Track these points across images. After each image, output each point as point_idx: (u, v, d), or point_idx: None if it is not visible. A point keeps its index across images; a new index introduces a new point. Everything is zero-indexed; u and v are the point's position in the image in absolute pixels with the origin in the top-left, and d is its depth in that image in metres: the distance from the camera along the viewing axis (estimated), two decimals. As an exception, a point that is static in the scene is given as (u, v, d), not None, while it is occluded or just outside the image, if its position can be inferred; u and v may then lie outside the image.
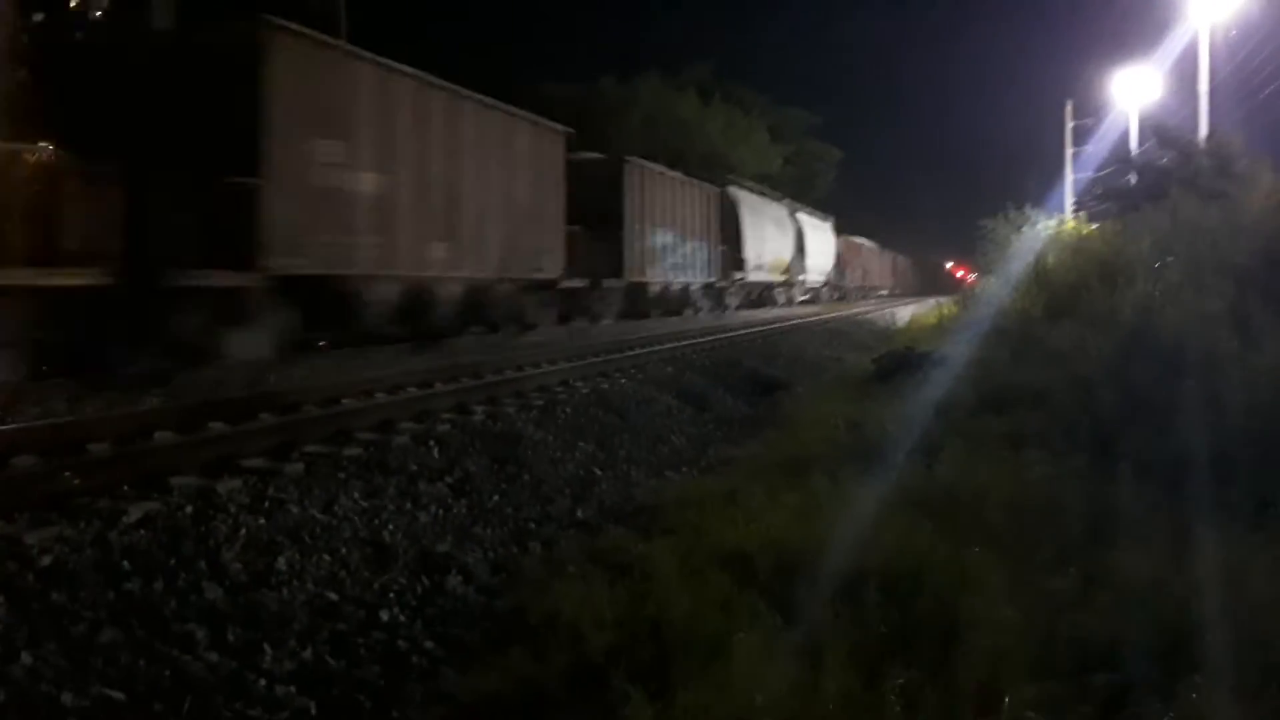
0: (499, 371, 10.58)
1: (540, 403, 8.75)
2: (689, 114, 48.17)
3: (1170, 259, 9.87)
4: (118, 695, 3.28)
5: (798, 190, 53.36)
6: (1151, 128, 17.82)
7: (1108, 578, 4.00)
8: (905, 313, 31.64)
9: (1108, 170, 25.70)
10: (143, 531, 4.49)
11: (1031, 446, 6.24)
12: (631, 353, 13.26)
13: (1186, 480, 5.06)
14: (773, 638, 3.58)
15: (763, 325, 21.51)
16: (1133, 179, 18.47)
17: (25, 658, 3.36)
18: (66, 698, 3.20)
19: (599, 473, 7.00)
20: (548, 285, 16.68)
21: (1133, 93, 28.76)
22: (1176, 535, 4.45)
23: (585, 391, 9.66)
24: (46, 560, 4.06)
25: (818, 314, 29.21)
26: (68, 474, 5.04)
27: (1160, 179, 14.93)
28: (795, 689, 3.19)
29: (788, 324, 22.60)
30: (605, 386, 10.13)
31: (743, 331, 18.86)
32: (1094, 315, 9.56)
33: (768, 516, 5.06)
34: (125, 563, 4.16)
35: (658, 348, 14.20)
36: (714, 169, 39.00)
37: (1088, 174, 31.33)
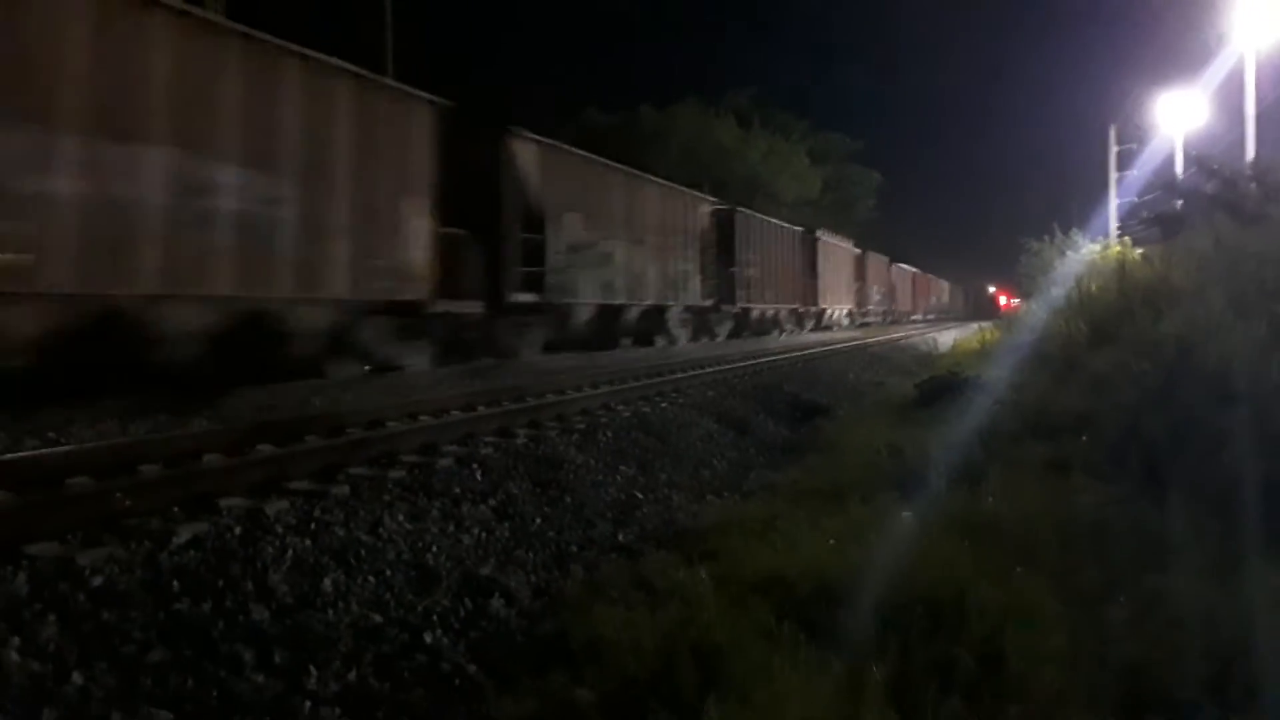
0: (540, 395, 10.62)
1: (582, 426, 8.78)
2: (729, 140, 48.29)
3: (1214, 284, 9.73)
4: (165, 715, 3.32)
5: (837, 215, 53.35)
6: (1195, 158, 17.59)
7: (1158, 607, 3.94)
8: (947, 338, 31.44)
9: (1151, 195, 25.43)
10: (192, 552, 4.55)
11: (1077, 472, 6.17)
12: (672, 376, 13.26)
13: (1237, 508, 4.97)
14: (814, 667, 3.55)
15: (802, 350, 21.42)
16: (1178, 204, 18.24)
17: (76, 677, 3.40)
18: (116, 717, 3.24)
19: (640, 496, 7.00)
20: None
21: (1177, 117, 28.45)
22: (1228, 564, 4.38)
23: (626, 415, 9.68)
24: (98, 580, 4.12)
25: (858, 339, 29.04)
26: (119, 495, 5.12)
27: (1205, 205, 14.74)
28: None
29: (828, 348, 22.50)
30: (646, 410, 10.14)
31: (782, 356, 18.80)
32: (1138, 340, 9.44)
33: (809, 543, 5.03)
34: (175, 583, 4.22)
35: (698, 372, 14.21)
36: (754, 195, 38.91)
37: (1131, 199, 31.05)
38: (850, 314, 41.33)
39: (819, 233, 35.05)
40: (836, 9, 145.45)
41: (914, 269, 57.78)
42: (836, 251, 38.08)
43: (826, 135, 59.02)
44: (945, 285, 68.52)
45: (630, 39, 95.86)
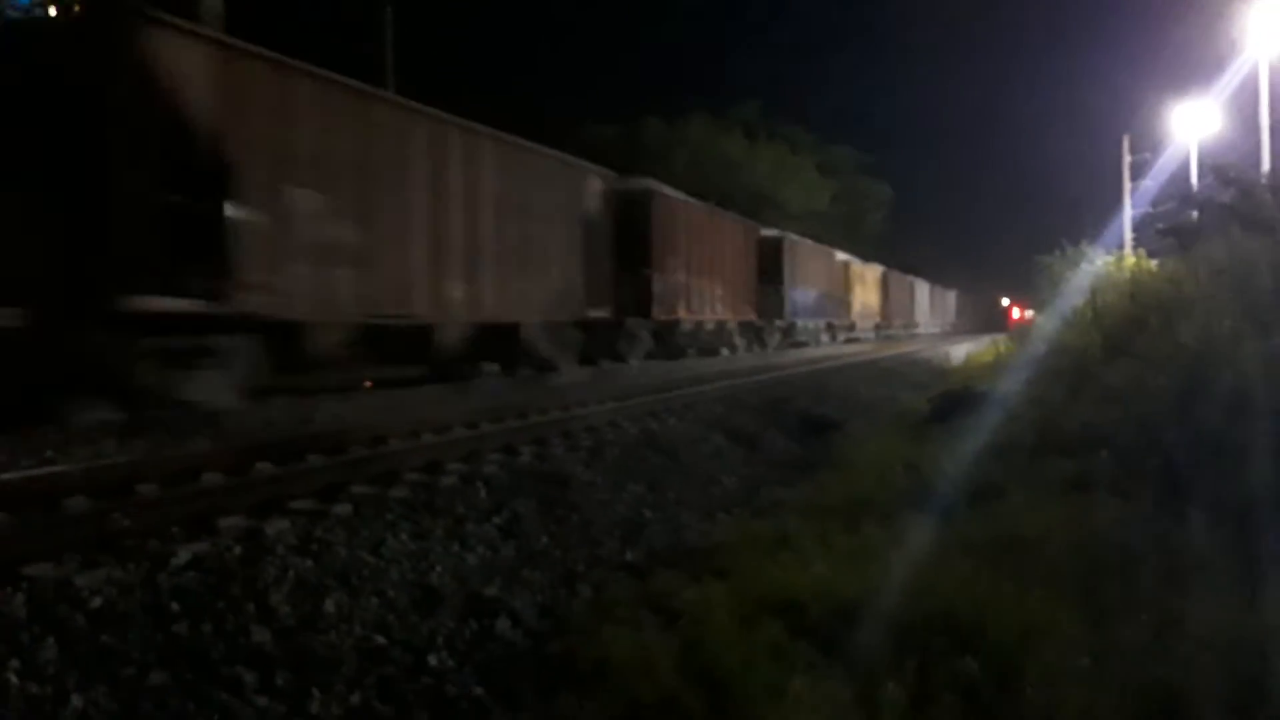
0: (544, 412, 10.53)
1: (588, 443, 8.69)
2: (736, 153, 48.23)
3: (1229, 295, 9.60)
4: (165, 740, 3.24)
5: (847, 228, 53.24)
6: (1211, 167, 17.48)
7: (1181, 626, 3.84)
8: (960, 351, 31.32)
9: (1166, 206, 25.30)
10: (191, 573, 4.47)
11: (1096, 489, 6.06)
12: (680, 391, 13.17)
13: (1260, 524, 4.86)
14: (828, 688, 3.46)
15: (812, 364, 21.33)
16: (1194, 215, 18.11)
17: (75, 700, 3.33)
18: (115, 742, 3.17)
19: (648, 514, 6.91)
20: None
21: (1192, 126, 28.33)
22: (1252, 582, 4.27)
23: (634, 432, 9.58)
24: (96, 602, 4.04)
25: (869, 352, 28.95)
26: (117, 515, 5.05)
27: (1221, 216, 14.62)
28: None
29: (839, 362, 22.40)
30: (654, 427, 10.04)
31: (792, 370, 18.70)
32: (1153, 353, 9.33)
33: (822, 561, 4.94)
34: (174, 604, 4.14)
35: (707, 386, 14.10)
36: (761, 208, 39.18)
37: (1145, 209, 30.92)
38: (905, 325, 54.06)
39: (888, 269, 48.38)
40: (844, 21, 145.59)
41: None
42: (900, 280, 51.44)
43: (835, 148, 59.00)
44: (944, 294, 68.53)
45: (632, 52, 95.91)
